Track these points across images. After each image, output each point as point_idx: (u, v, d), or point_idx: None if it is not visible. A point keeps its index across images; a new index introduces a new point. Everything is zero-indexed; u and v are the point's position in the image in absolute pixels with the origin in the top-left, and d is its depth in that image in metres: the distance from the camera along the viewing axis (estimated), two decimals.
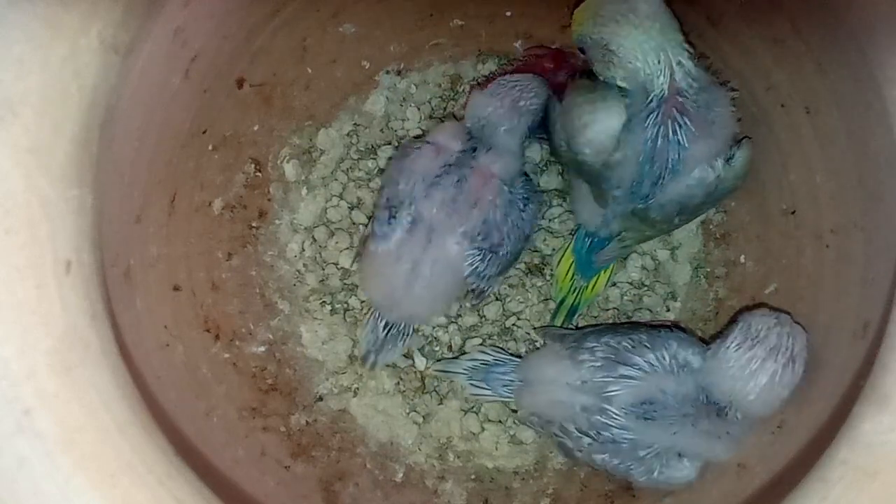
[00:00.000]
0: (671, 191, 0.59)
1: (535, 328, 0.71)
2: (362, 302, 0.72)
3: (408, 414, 0.71)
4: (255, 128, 0.69)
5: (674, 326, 0.65)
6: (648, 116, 0.57)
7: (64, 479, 0.37)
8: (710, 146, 0.58)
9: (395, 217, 0.62)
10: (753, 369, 0.54)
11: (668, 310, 0.73)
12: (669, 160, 0.58)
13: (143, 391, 0.43)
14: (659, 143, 0.57)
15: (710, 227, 0.72)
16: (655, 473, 0.58)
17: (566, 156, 0.64)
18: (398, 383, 0.71)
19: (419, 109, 0.75)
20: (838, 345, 0.53)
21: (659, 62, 0.56)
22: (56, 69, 0.40)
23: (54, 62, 0.40)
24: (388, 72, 0.74)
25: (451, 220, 0.62)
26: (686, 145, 0.57)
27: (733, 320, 0.60)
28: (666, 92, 0.56)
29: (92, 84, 0.41)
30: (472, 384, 0.68)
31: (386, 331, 0.67)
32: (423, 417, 0.71)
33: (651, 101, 0.57)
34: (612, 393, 0.58)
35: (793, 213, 0.63)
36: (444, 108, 0.75)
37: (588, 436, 0.59)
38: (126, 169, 0.50)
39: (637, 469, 0.58)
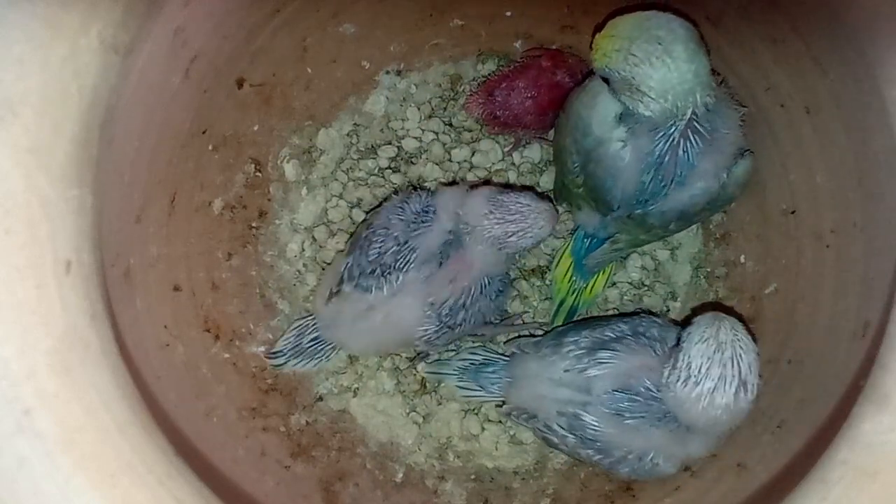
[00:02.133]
0: (673, 199, 0.59)
1: (504, 343, 0.70)
2: None
3: (408, 414, 0.71)
4: (255, 128, 0.69)
5: (647, 312, 0.65)
6: (659, 132, 0.56)
7: (64, 479, 0.37)
8: (717, 161, 0.58)
9: (382, 277, 0.61)
10: (704, 406, 0.53)
11: (669, 310, 0.73)
12: (675, 175, 0.58)
13: (143, 391, 0.43)
14: (667, 158, 0.57)
15: (710, 227, 0.72)
16: (638, 469, 0.58)
17: (575, 168, 0.63)
18: (398, 383, 0.71)
19: (419, 109, 0.75)
20: (838, 345, 0.53)
21: (686, 103, 0.55)
22: (56, 69, 0.40)
23: (54, 62, 0.40)
24: (388, 72, 0.74)
25: (424, 287, 0.61)
26: (694, 163, 0.57)
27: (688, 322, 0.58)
28: (684, 124, 0.56)
29: (92, 84, 0.41)
30: (461, 386, 0.68)
31: (311, 343, 0.67)
32: (423, 417, 0.71)
33: (667, 126, 0.56)
34: (594, 374, 0.58)
35: (793, 213, 0.63)
36: (444, 108, 0.75)
37: (572, 434, 0.59)
38: (126, 169, 0.50)
39: (620, 466, 0.59)
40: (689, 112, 0.55)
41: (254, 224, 0.70)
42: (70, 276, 0.40)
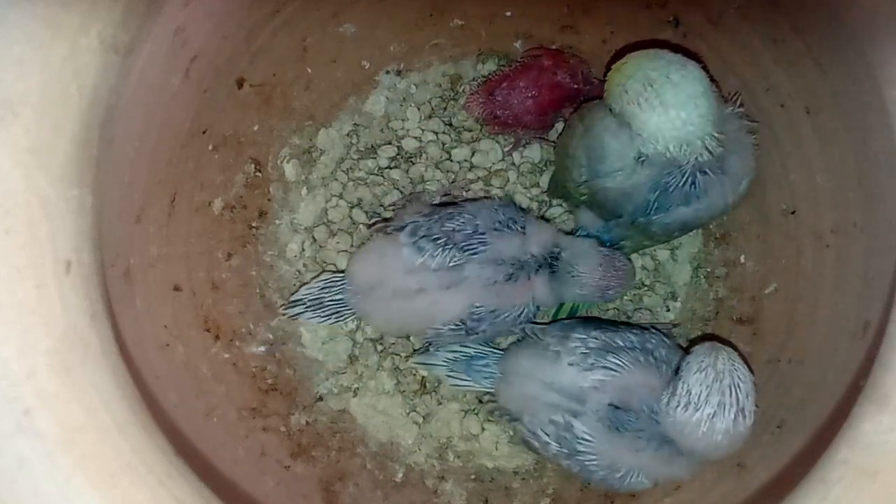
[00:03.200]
0: (677, 213, 0.60)
1: (518, 324, 0.69)
2: None
3: (408, 414, 0.71)
4: (255, 128, 0.69)
5: (657, 329, 0.65)
6: (667, 169, 0.57)
7: (64, 479, 0.37)
8: (725, 184, 0.58)
9: (442, 248, 0.61)
10: (704, 431, 0.54)
11: (668, 310, 0.73)
12: (681, 200, 0.58)
13: (143, 391, 0.43)
14: (672, 189, 0.58)
15: (710, 227, 0.72)
16: (614, 483, 0.59)
17: (581, 181, 0.63)
18: (398, 383, 0.71)
19: (419, 109, 0.75)
20: (838, 345, 0.53)
21: (682, 150, 0.55)
22: (56, 69, 0.40)
23: (54, 62, 0.40)
24: (388, 72, 0.74)
25: (479, 291, 0.61)
26: (702, 193, 0.58)
27: (687, 350, 0.59)
28: (689, 170, 0.56)
29: (92, 84, 0.41)
30: (451, 376, 0.67)
31: (332, 302, 0.67)
32: (423, 417, 0.71)
33: (675, 169, 0.57)
34: (597, 379, 0.58)
35: (793, 213, 0.63)
36: (444, 108, 0.75)
37: (557, 443, 0.59)
38: (126, 169, 0.50)
39: (597, 478, 0.59)
40: (693, 161, 0.55)
41: (254, 224, 0.70)
42: (70, 276, 0.40)
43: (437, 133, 0.74)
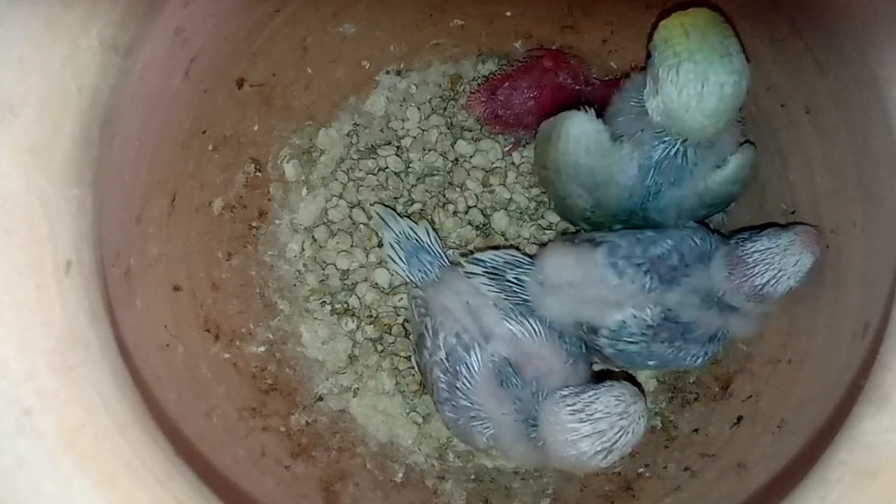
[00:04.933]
0: (672, 195, 0.60)
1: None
2: (361, 300, 0.72)
3: (408, 414, 0.71)
4: (255, 128, 0.69)
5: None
6: (657, 143, 0.57)
7: (64, 479, 0.37)
8: (710, 161, 0.59)
9: (643, 274, 0.59)
10: (568, 439, 0.53)
11: None
12: (674, 172, 0.58)
13: (143, 391, 0.43)
14: (665, 163, 0.58)
15: (711, 226, 0.72)
16: (459, 424, 0.61)
17: (582, 200, 0.63)
18: (398, 384, 0.71)
19: (419, 109, 0.75)
20: (838, 345, 0.53)
21: (685, 133, 0.55)
22: (56, 69, 0.40)
23: (54, 62, 0.40)
24: (388, 72, 0.74)
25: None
26: (695, 167, 0.58)
27: (604, 377, 0.59)
28: (677, 141, 0.57)
29: (92, 84, 0.41)
30: (392, 246, 0.68)
31: (515, 279, 0.63)
32: (423, 418, 0.71)
33: (664, 141, 0.57)
34: (509, 329, 0.59)
35: (793, 213, 0.63)
36: (444, 109, 0.75)
37: (444, 353, 0.61)
38: (126, 169, 0.50)
39: (446, 411, 0.61)
40: (688, 142, 0.56)
41: (254, 224, 0.70)
42: (70, 276, 0.40)
43: (438, 130, 0.74)
